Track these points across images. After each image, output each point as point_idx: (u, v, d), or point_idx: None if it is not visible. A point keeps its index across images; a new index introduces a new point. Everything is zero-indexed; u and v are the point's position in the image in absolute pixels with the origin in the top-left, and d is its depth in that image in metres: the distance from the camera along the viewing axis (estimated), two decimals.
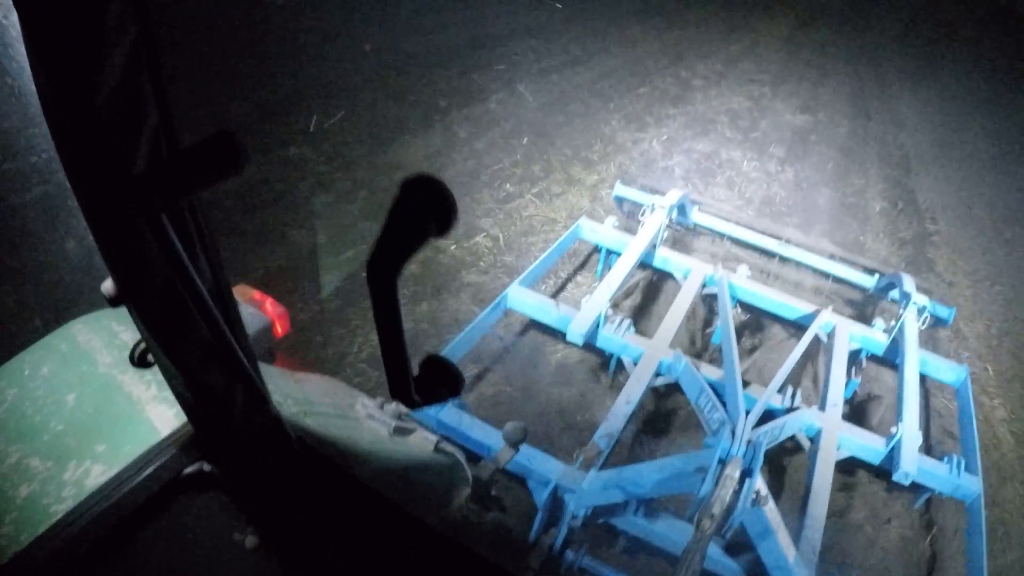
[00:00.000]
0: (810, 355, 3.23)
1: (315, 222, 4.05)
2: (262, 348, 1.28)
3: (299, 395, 1.12)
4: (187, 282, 0.63)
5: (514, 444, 1.55)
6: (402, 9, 7.84)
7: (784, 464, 3.02)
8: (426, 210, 0.46)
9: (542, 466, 2.21)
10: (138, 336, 1.03)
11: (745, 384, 2.65)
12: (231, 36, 5.45)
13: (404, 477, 1.24)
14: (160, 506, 0.91)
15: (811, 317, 3.29)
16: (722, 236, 4.07)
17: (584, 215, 3.91)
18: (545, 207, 4.74)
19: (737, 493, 1.84)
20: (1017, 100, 10.95)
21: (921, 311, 3.34)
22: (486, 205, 4.59)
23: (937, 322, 3.52)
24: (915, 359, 3.09)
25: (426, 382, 0.59)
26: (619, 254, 3.38)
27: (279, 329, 1.30)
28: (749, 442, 2.10)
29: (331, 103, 5.24)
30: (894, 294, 3.64)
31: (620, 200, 4.11)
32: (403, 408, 1.26)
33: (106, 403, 1.01)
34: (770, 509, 2.00)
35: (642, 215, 3.65)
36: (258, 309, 1.29)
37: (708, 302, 3.60)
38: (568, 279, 4.01)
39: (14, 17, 0.52)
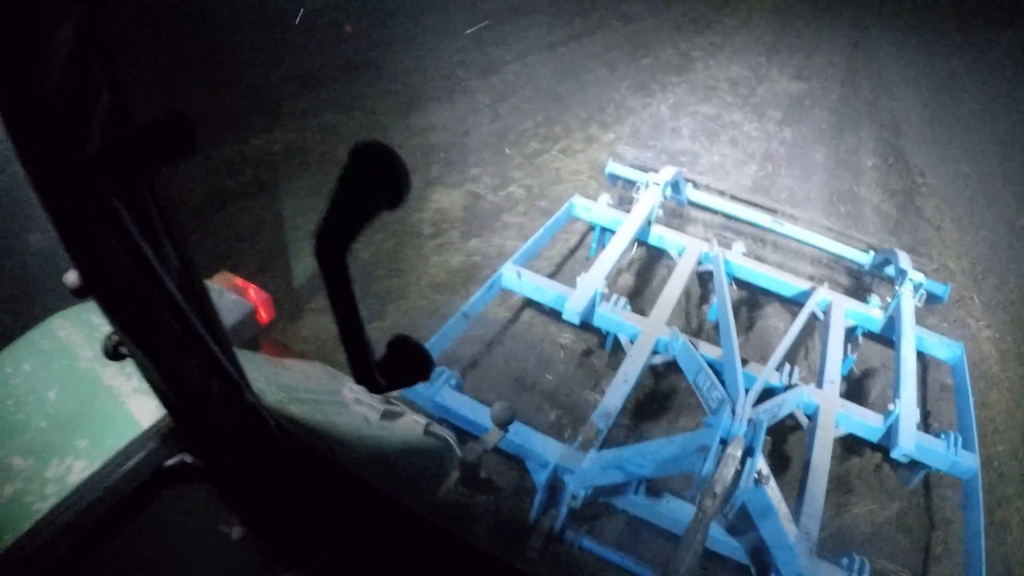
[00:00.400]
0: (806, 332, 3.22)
1: None
2: (246, 335, 1.26)
3: (283, 381, 1.10)
4: (148, 271, 0.61)
5: (502, 424, 1.53)
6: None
7: (781, 441, 3.02)
8: (377, 180, 0.43)
9: (540, 447, 2.20)
10: None
11: (743, 362, 2.63)
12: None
13: (392, 462, 1.22)
14: (144, 499, 0.89)
15: (807, 294, 3.26)
16: (715, 212, 4.04)
17: (611, 159, 4.16)
18: (569, 160, 5.23)
19: (739, 472, 1.82)
20: (996, 47, 11.84)
21: (917, 288, 3.32)
22: (516, 160, 5.06)
23: (932, 299, 3.49)
24: (911, 336, 3.07)
25: (393, 364, 0.56)
26: (613, 232, 3.35)
27: (263, 315, 1.28)
28: (750, 421, 2.09)
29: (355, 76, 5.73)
30: (889, 270, 3.62)
31: (614, 178, 4.07)
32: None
33: (87, 398, 1.00)
34: (771, 488, 1.98)
35: (636, 192, 3.62)
36: (241, 296, 1.27)
37: (704, 279, 3.58)
38: (563, 261, 4.00)
39: None
